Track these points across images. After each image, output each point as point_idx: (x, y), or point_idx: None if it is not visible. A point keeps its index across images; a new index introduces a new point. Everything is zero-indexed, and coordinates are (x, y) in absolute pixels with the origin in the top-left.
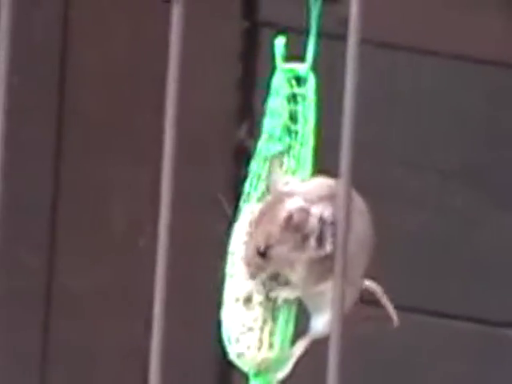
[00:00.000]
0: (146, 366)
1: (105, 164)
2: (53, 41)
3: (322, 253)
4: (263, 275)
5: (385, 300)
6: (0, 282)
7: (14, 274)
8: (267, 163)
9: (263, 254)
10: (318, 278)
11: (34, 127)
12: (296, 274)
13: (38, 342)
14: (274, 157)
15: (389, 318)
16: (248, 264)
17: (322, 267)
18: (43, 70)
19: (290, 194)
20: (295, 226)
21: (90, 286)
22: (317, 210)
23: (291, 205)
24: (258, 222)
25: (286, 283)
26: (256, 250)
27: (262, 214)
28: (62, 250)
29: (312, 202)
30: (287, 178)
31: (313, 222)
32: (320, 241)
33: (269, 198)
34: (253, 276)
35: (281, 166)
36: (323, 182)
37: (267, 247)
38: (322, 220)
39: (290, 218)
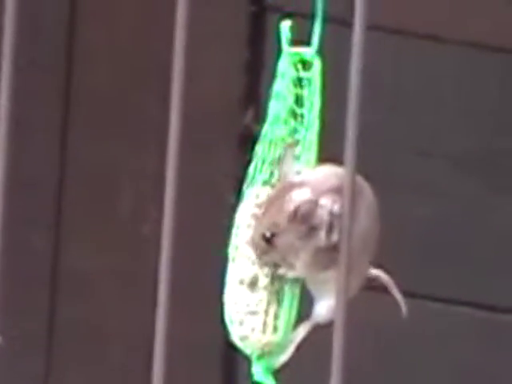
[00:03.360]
0: (151, 349)
1: (110, 147)
2: (60, 21)
3: (329, 243)
4: (268, 258)
5: (394, 289)
6: (6, 262)
7: (20, 254)
8: (277, 150)
9: (268, 241)
10: (322, 267)
11: (40, 110)
12: (300, 262)
13: (44, 322)
14: (287, 146)
15: (397, 306)
16: (254, 247)
17: (327, 256)
18: (50, 52)
19: (299, 185)
20: (302, 218)
21: (95, 269)
22: (326, 202)
23: (299, 196)
24: (265, 208)
25: (291, 267)
26: (262, 235)
27: (271, 201)
28: (68, 232)
29: (321, 193)
30: (298, 168)
31: (321, 213)
32: (329, 232)
33: (278, 185)
34: (259, 257)
35: (293, 156)
36: (333, 172)
37: (273, 235)
38: (331, 212)
39: (296, 209)
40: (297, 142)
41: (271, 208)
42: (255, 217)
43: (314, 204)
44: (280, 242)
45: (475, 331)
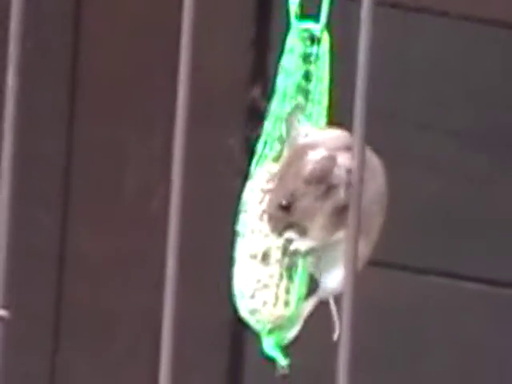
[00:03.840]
0: (159, 328)
1: (118, 126)
2: (66, 5)
3: (348, 201)
4: (282, 226)
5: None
6: (14, 241)
7: (27, 233)
8: (284, 123)
9: (286, 208)
10: (336, 227)
11: (46, 92)
12: (316, 224)
13: (51, 301)
14: (289, 115)
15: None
16: (270, 219)
17: (342, 215)
18: (56, 36)
19: (312, 146)
20: (320, 177)
21: (102, 248)
22: (343, 160)
23: (315, 156)
24: (280, 177)
25: (302, 234)
26: (278, 204)
27: (285, 168)
28: (76, 211)
29: (336, 151)
30: (306, 129)
31: (339, 171)
32: (348, 189)
33: (289, 152)
34: (274, 229)
35: (297, 121)
36: (342, 133)
37: (290, 202)
38: (349, 169)
39: (314, 169)
40: (297, 109)
41: (286, 175)
42: (268, 190)
43: (331, 162)
44: (298, 207)
45: (484, 307)
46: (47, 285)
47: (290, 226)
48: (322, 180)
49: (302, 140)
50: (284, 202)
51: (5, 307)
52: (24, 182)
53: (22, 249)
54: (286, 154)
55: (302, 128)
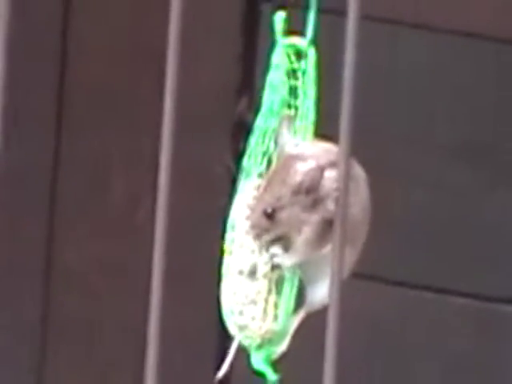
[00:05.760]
0: (145, 339)
1: (105, 136)
2: (54, 12)
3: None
4: (267, 238)
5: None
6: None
7: (13, 245)
8: (271, 141)
9: (270, 216)
10: (322, 241)
11: (33, 99)
12: (302, 237)
13: (37, 313)
14: (283, 118)
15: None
16: (253, 226)
17: (327, 230)
18: (44, 42)
19: (301, 157)
20: (308, 188)
21: (89, 259)
22: (331, 174)
23: (304, 167)
24: (266, 185)
25: (288, 248)
26: (263, 211)
27: (272, 176)
28: (62, 222)
29: (325, 165)
30: (296, 140)
31: (328, 184)
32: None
33: (277, 161)
34: (256, 238)
35: (290, 127)
36: (331, 147)
37: (275, 209)
38: (336, 182)
39: (302, 181)
40: (293, 115)
41: (273, 183)
42: (254, 198)
43: (319, 173)
44: (283, 216)
45: (470, 321)
46: (33, 296)
47: (275, 240)
48: (310, 191)
49: (291, 150)
50: (269, 210)
51: None
52: (10, 193)
53: (8, 260)
54: (274, 164)
55: (292, 139)
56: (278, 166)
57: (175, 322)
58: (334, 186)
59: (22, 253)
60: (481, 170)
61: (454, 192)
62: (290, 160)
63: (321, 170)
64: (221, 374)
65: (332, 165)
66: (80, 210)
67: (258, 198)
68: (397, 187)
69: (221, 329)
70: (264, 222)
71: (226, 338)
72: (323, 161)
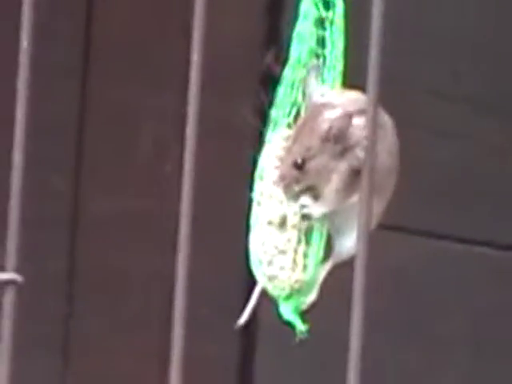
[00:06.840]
0: (173, 288)
1: (131, 88)
2: None
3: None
4: (297, 188)
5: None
6: (27, 203)
7: (40, 195)
8: (298, 92)
9: (300, 167)
10: (351, 191)
11: (60, 52)
12: (330, 186)
13: (64, 264)
14: (311, 68)
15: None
16: (283, 177)
17: (356, 179)
18: None
19: (329, 105)
20: (336, 136)
21: (116, 210)
22: (359, 121)
23: (331, 115)
24: (295, 135)
25: (317, 198)
26: (293, 162)
27: (301, 127)
28: (89, 173)
29: (353, 113)
30: (323, 90)
31: (356, 132)
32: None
33: (306, 111)
34: (286, 189)
35: (318, 76)
36: (359, 96)
37: (305, 160)
38: (364, 130)
39: (330, 128)
40: (321, 64)
41: (301, 133)
42: (283, 149)
43: (347, 121)
44: (313, 165)
45: (494, 271)
46: (60, 248)
47: (304, 190)
48: (339, 138)
49: (318, 99)
50: (299, 160)
51: (17, 270)
52: (37, 145)
53: (35, 212)
54: (302, 114)
55: (320, 88)
56: (306, 116)
57: (202, 272)
58: (363, 133)
59: (49, 204)
60: (505, 122)
61: (479, 143)
62: (317, 109)
63: (349, 117)
64: (242, 320)
65: (360, 112)
66: (107, 161)
67: (288, 149)
68: (423, 138)
69: (248, 279)
70: (294, 172)
71: (253, 288)
72: (351, 108)
